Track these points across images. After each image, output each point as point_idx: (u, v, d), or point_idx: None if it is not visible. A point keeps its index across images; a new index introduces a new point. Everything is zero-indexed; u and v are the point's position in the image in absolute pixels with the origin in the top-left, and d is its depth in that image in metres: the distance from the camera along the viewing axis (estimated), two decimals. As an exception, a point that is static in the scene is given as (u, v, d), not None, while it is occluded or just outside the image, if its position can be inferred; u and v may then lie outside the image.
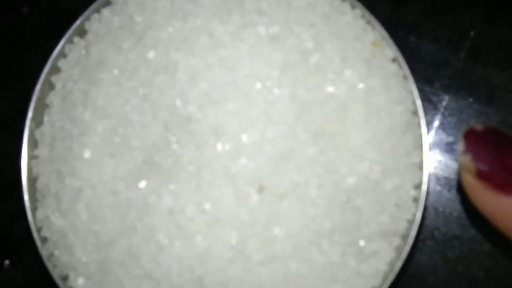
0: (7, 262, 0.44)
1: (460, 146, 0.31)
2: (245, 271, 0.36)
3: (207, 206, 0.37)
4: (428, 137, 0.43)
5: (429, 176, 0.40)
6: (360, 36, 0.40)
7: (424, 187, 0.38)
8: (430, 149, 0.42)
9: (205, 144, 0.37)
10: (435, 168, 0.43)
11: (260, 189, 0.37)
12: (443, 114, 0.44)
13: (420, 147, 0.39)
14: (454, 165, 0.43)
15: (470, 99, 0.44)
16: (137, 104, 0.39)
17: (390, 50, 0.40)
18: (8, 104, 0.47)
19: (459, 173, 0.33)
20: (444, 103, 0.45)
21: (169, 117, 0.38)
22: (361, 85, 0.39)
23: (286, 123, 0.37)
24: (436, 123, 0.44)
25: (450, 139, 0.44)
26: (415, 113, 0.40)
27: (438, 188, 0.43)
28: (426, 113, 0.40)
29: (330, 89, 0.38)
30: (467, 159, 0.31)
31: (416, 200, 0.38)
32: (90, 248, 0.38)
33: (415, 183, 0.39)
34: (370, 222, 0.37)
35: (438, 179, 0.43)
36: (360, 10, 0.41)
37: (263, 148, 0.37)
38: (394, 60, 0.40)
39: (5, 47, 0.49)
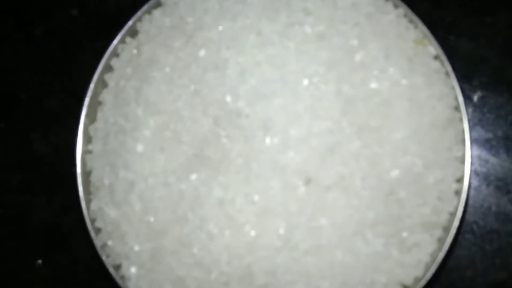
0: (39, 261, 0.45)
1: None
2: (292, 260, 0.38)
3: (256, 197, 0.38)
4: (468, 132, 0.44)
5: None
6: (403, 35, 0.41)
7: (466, 180, 0.39)
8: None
9: (253, 138, 0.39)
10: (474, 163, 0.44)
11: (307, 181, 0.38)
12: (481, 111, 0.45)
13: (461, 141, 0.40)
14: (493, 160, 0.44)
15: (508, 96, 0.45)
16: (188, 100, 0.40)
17: (432, 47, 0.41)
18: (58, 101, 0.48)
19: None
20: (482, 100, 0.45)
21: (218, 112, 0.40)
22: (404, 82, 0.40)
23: (331, 118, 0.39)
24: (475, 119, 0.45)
25: (489, 135, 0.44)
26: (456, 108, 0.41)
27: (477, 183, 0.44)
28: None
29: (374, 85, 0.39)
30: None
31: (457, 193, 0.39)
32: (142, 238, 0.40)
33: (456, 177, 0.40)
34: (413, 213, 0.38)
35: (477, 174, 0.44)
36: (402, 9, 0.42)
37: (310, 141, 0.39)
38: (436, 57, 0.41)
39: (54, 47, 0.50)
